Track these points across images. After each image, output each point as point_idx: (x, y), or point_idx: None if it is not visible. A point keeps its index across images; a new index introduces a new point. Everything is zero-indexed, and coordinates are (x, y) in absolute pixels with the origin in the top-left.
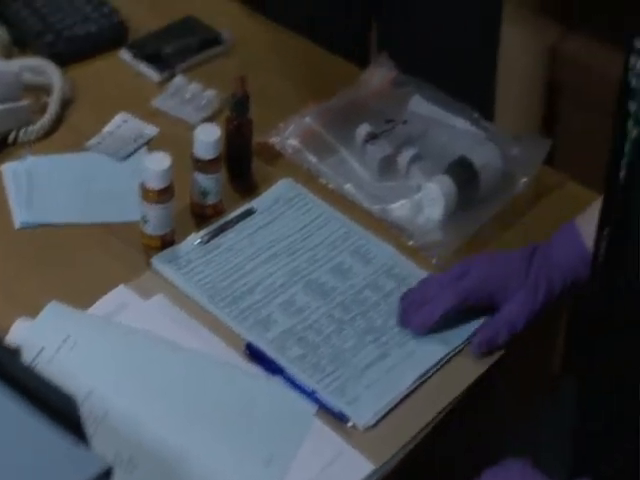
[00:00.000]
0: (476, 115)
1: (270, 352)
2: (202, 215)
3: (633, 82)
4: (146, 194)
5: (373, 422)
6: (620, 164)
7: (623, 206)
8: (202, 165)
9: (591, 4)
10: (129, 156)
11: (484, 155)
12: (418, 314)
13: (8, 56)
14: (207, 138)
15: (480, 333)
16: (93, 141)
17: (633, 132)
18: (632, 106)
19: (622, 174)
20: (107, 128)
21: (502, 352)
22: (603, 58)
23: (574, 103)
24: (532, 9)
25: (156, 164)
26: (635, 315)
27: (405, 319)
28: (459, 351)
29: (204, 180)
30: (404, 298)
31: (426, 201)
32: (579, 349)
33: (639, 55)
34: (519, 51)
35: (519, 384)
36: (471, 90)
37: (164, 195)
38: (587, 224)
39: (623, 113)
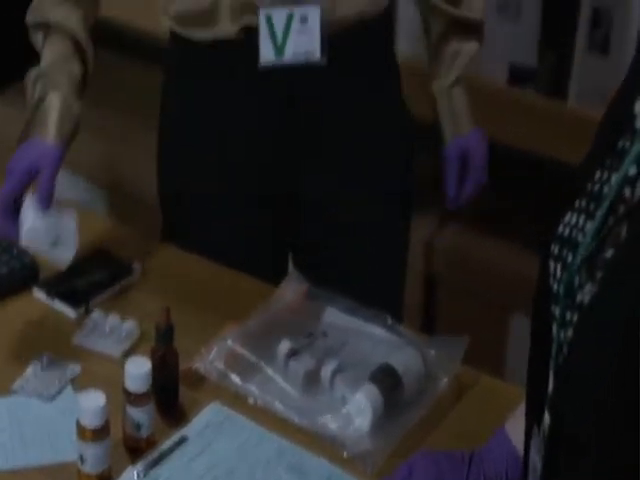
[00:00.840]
0: (390, 321)
1: None
2: (136, 448)
3: (555, 288)
4: (83, 433)
5: None
6: (546, 368)
7: (555, 409)
8: (135, 398)
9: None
10: (56, 396)
11: (405, 360)
12: None
13: None
14: (139, 371)
15: None
16: (17, 384)
17: (560, 334)
18: (556, 310)
19: (550, 382)
20: (30, 370)
21: None
22: (476, 249)
23: (451, 293)
24: None
25: (92, 403)
26: None
27: None
28: None
29: (137, 413)
30: None
31: (354, 412)
32: None
33: (557, 261)
34: None
35: None
36: (380, 294)
37: (101, 433)
38: (515, 430)
39: (546, 317)
